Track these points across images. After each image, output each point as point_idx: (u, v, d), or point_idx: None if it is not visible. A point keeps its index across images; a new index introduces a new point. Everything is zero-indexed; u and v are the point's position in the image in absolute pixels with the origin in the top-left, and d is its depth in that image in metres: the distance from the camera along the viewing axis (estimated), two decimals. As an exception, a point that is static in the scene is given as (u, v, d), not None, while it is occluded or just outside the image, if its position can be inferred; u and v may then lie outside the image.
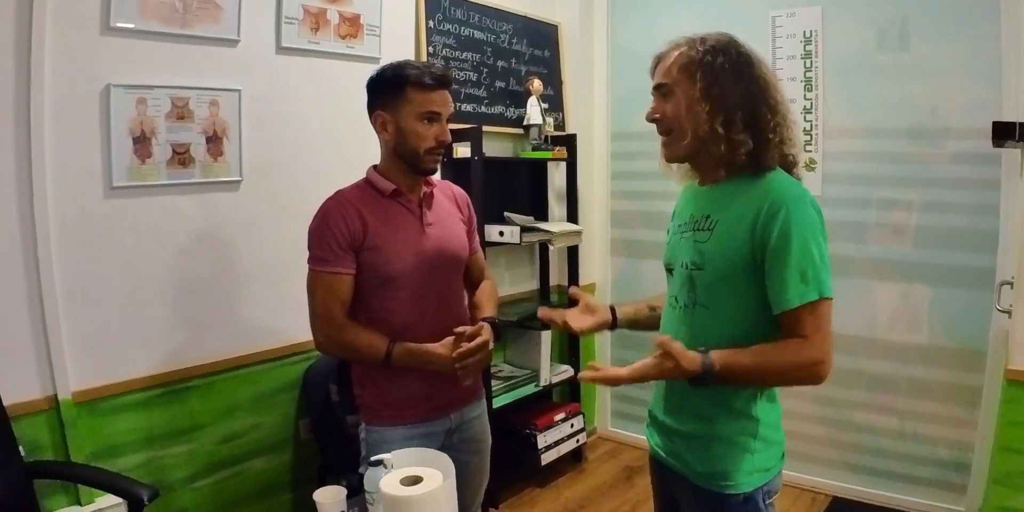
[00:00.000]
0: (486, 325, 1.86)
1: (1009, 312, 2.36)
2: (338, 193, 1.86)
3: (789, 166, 1.45)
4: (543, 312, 1.73)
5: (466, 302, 2.04)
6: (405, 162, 1.82)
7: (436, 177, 1.97)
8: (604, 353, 4.01)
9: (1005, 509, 2.28)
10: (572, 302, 1.76)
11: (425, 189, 1.90)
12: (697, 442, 1.46)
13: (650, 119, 1.49)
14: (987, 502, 2.48)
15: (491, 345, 2.02)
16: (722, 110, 1.37)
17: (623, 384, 1.35)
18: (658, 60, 1.48)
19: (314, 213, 1.82)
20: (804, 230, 1.31)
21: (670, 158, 1.50)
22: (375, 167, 1.89)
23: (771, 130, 1.38)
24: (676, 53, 1.43)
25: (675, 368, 1.29)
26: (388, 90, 1.78)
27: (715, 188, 1.47)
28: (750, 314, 1.37)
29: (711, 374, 1.30)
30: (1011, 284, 2.40)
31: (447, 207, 1.98)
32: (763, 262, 1.34)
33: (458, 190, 2.08)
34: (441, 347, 1.78)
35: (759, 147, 1.38)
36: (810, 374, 1.32)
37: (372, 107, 1.82)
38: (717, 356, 1.31)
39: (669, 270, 1.57)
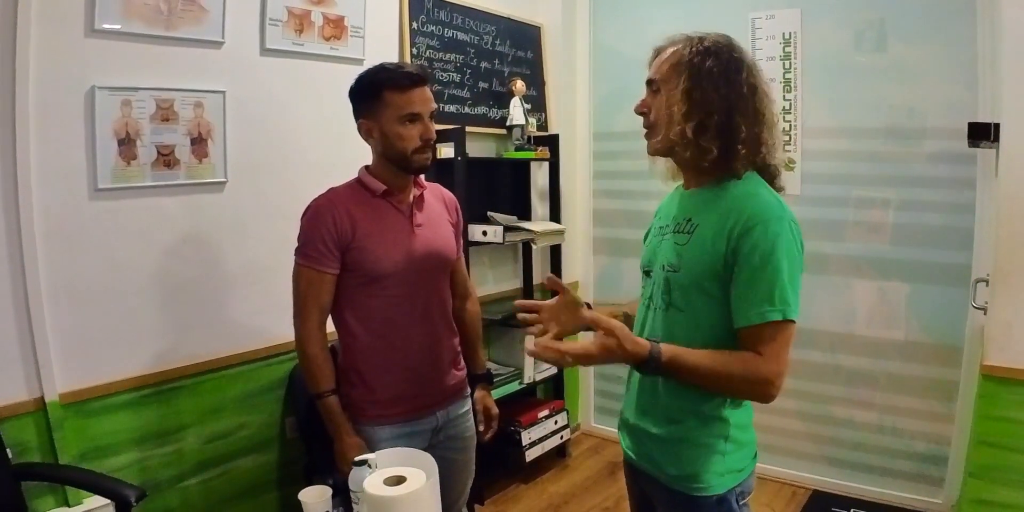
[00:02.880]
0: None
1: (984, 309, 2.40)
2: (330, 191, 1.87)
3: (771, 176, 1.44)
4: (520, 304, 1.63)
5: (451, 305, 2.05)
6: (395, 164, 1.83)
7: (427, 179, 1.99)
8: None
9: (981, 501, 2.32)
10: (554, 294, 1.60)
11: (416, 191, 1.92)
12: (668, 445, 1.45)
13: (637, 111, 1.49)
14: (963, 495, 2.52)
15: (495, 409, 2.12)
16: (697, 114, 1.35)
17: (569, 364, 1.30)
18: (656, 53, 1.47)
19: (299, 214, 1.84)
20: (778, 250, 1.28)
21: (649, 151, 1.50)
22: (367, 167, 1.90)
23: (742, 141, 1.36)
24: (671, 50, 1.42)
25: (618, 347, 1.24)
26: (366, 97, 1.80)
27: (699, 192, 1.46)
28: (721, 320, 1.35)
29: (657, 363, 1.27)
30: (986, 281, 2.44)
31: (437, 209, 2.00)
32: (733, 273, 1.32)
33: (448, 194, 2.09)
34: (355, 446, 1.79)
35: (726, 156, 1.37)
36: (758, 391, 1.30)
37: (356, 116, 1.84)
38: (668, 348, 1.28)
39: (646, 272, 1.55)
